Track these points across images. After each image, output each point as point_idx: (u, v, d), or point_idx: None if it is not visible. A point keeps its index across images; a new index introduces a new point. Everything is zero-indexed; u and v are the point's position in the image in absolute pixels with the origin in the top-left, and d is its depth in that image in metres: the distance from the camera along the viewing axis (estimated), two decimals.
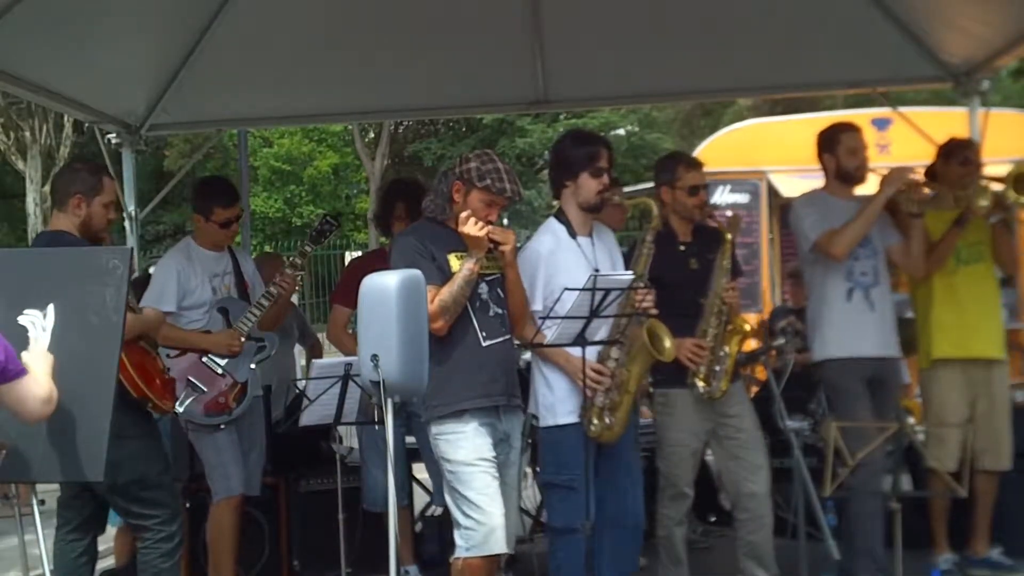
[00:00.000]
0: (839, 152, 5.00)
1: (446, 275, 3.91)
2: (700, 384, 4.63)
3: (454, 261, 3.95)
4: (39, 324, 3.43)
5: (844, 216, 4.90)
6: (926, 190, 5.01)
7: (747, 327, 4.67)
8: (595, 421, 4.21)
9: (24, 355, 3.21)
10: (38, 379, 3.20)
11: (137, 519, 4.29)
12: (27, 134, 18.29)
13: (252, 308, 5.06)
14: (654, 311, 4.25)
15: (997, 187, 4.90)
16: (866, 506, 4.81)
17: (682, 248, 4.77)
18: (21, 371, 3.14)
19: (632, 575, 4.55)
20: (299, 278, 5.22)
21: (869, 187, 5.08)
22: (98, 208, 4.31)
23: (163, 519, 4.24)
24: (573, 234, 4.36)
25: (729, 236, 4.72)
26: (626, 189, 6.41)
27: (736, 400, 4.72)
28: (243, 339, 5.02)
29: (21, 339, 3.37)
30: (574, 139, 4.51)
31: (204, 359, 5.00)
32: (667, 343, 4.29)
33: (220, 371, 5.00)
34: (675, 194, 4.78)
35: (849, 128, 5.05)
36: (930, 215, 5.03)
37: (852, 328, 4.92)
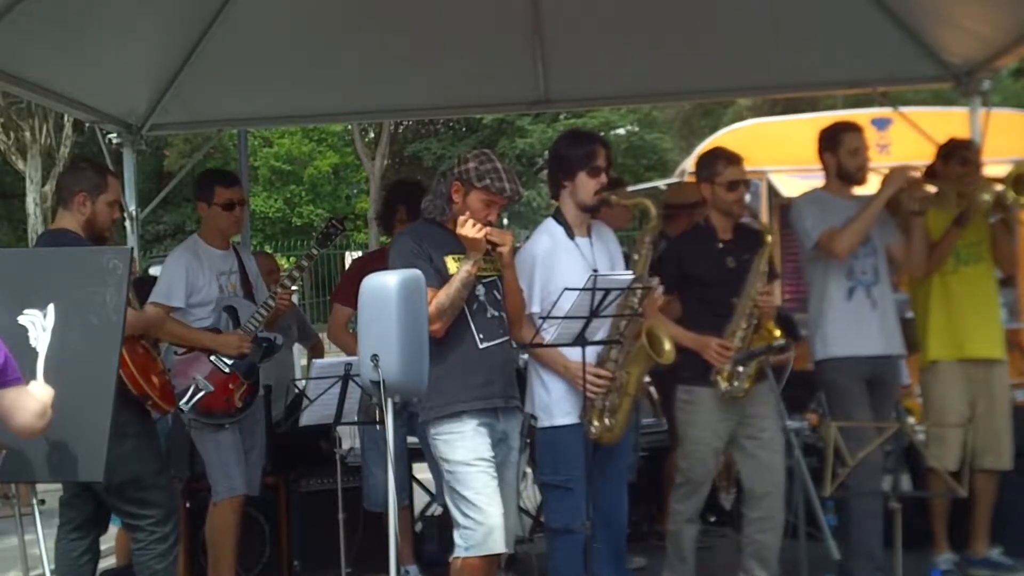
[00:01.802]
0: (840, 152, 4.99)
1: (443, 277, 3.89)
2: (722, 383, 4.59)
3: (451, 263, 3.93)
4: (39, 324, 3.42)
5: (844, 215, 4.89)
6: (928, 188, 5.00)
7: (776, 333, 4.58)
8: (595, 423, 4.20)
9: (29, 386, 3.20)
10: (34, 395, 3.17)
11: (131, 519, 4.30)
12: (27, 134, 18.30)
13: (260, 309, 5.04)
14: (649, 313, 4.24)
15: (997, 187, 4.89)
16: (863, 506, 4.81)
17: (720, 246, 4.75)
18: (18, 379, 3.12)
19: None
20: (299, 279, 5.22)
21: (869, 187, 5.08)
22: (103, 206, 4.32)
23: (157, 519, 4.25)
24: (571, 235, 4.34)
25: (770, 239, 4.70)
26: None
27: (761, 400, 4.63)
28: (250, 340, 5.03)
29: (21, 339, 3.38)
30: (571, 139, 4.50)
31: (212, 357, 4.99)
32: (667, 345, 4.27)
33: (227, 370, 4.99)
34: (715, 190, 4.74)
35: (852, 128, 5.04)
36: (930, 215, 5.02)
37: (854, 327, 4.92)
